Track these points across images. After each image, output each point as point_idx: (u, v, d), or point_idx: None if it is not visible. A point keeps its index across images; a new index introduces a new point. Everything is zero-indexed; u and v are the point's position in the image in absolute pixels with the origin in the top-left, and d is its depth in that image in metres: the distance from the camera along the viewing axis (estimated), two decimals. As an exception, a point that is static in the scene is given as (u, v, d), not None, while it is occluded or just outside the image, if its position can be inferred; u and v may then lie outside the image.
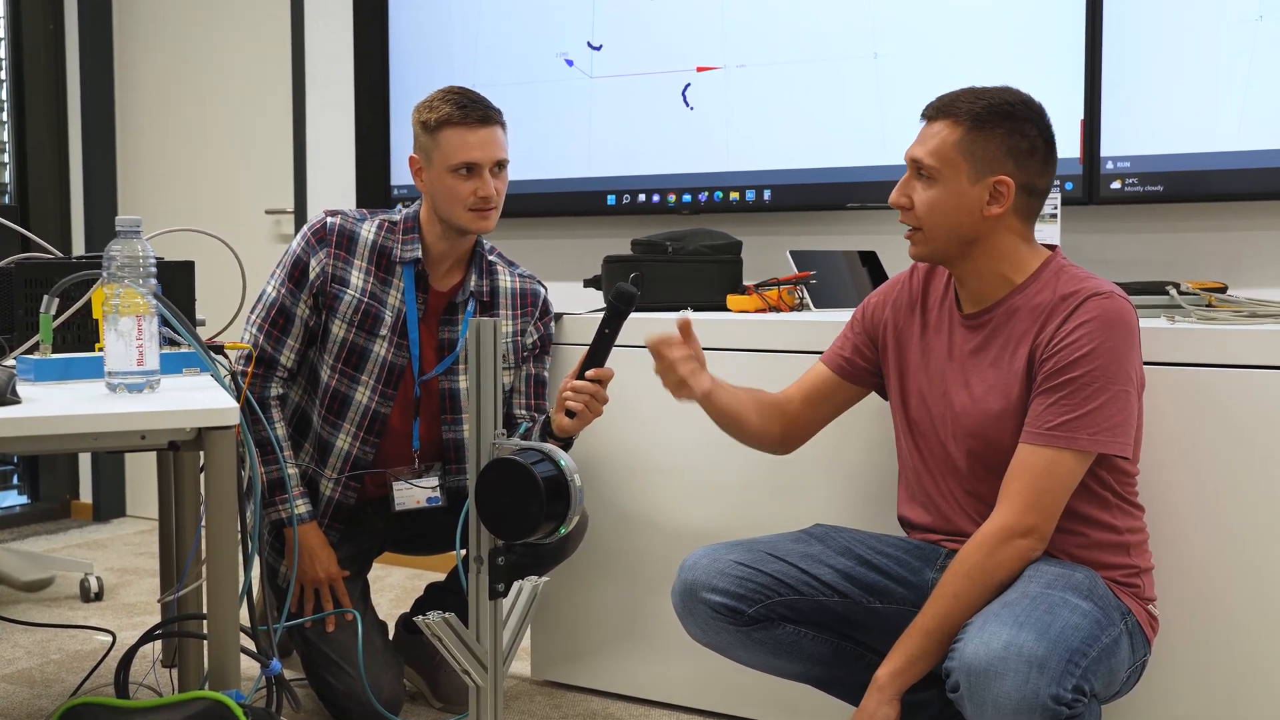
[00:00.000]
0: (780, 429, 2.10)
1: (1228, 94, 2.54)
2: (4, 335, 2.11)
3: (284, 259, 2.40)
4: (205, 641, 1.75)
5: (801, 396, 2.11)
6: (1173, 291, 2.19)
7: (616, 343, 2.09)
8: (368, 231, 2.40)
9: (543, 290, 2.53)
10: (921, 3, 2.87)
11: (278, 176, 4.13)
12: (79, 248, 4.48)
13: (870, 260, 2.81)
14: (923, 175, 1.87)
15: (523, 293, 2.49)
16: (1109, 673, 1.71)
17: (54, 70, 4.47)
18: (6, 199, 4.50)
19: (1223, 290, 2.28)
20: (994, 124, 1.83)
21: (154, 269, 1.76)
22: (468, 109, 2.30)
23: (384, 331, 2.38)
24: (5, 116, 4.51)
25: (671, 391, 2.03)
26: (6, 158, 4.51)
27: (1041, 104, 1.89)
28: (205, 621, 1.70)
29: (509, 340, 2.46)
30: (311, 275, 2.37)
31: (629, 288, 2.01)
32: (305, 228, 2.40)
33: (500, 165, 2.34)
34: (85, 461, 4.61)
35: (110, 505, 4.61)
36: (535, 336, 2.50)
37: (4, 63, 4.49)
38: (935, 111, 1.88)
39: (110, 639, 2.75)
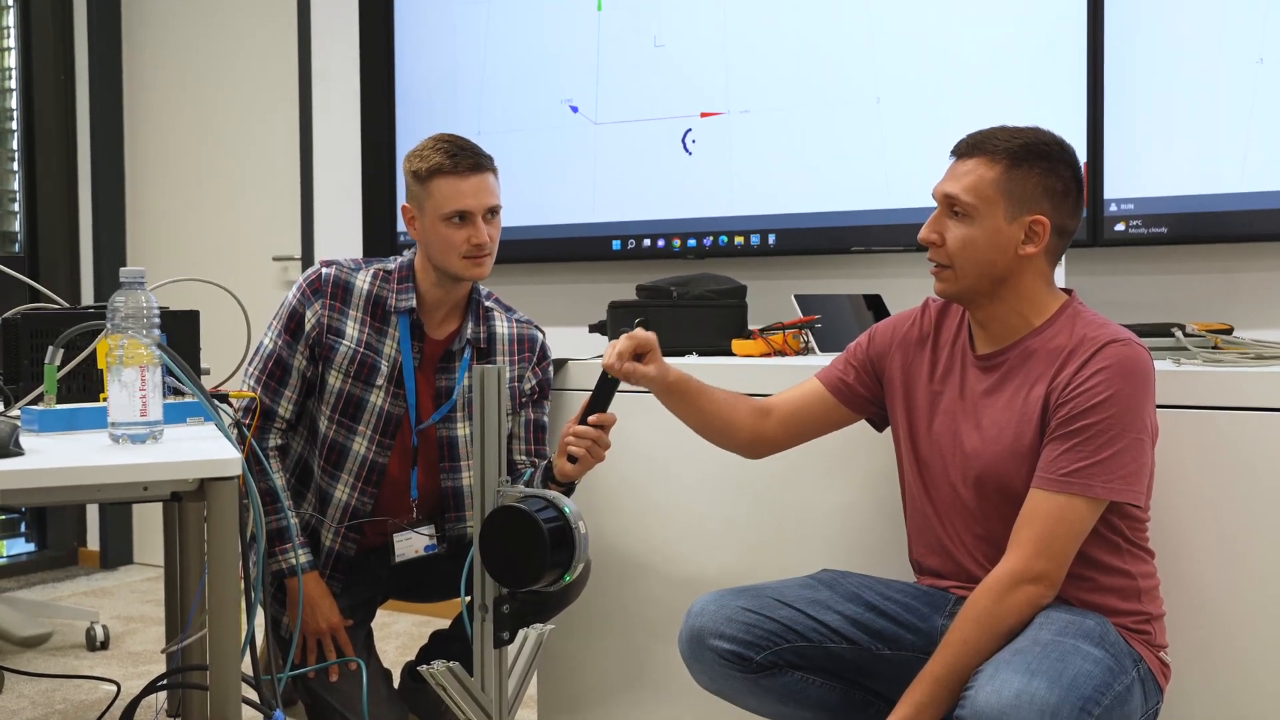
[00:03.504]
0: (751, 432, 2.08)
1: (1230, 136, 2.55)
2: (9, 386, 2.12)
3: (280, 310, 2.40)
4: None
5: (788, 409, 2.09)
6: (1178, 333, 2.18)
7: (620, 388, 2.08)
8: (362, 281, 2.40)
9: (540, 335, 2.53)
10: (923, 47, 2.89)
11: (285, 224, 4.15)
12: (88, 298, 4.50)
13: (875, 303, 2.81)
14: (956, 213, 1.85)
15: (520, 338, 2.49)
16: (1121, 720, 1.69)
17: (64, 121, 4.51)
18: (16, 248, 4.53)
19: (1228, 332, 2.27)
20: (1031, 163, 1.82)
21: (158, 319, 1.76)
22: (458, 157, 2.31)
23: (380, 381, 2.38)
24: (16, 167, 4.55)
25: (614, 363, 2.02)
26: (17, 208, 4.55)
27: (1073, 147, 1.88)
28: (208, 672, 1.69)
29: (507, 386, 2.46)
30: (307, 327, 2.37)
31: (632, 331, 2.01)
32: (301, 279, 2.41)
33: (493, 211, 2.34)
34: (93, 510, 4.61)
35: (117, 553, 4.60)
36: (534, 382, 2.50)
37: (15, 113, 4.53)
38: (969, 148, 1.86)
39: (115, 689, 2.74)
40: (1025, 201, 1.82)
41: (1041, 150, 1.83)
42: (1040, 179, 1.82)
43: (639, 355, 2.02)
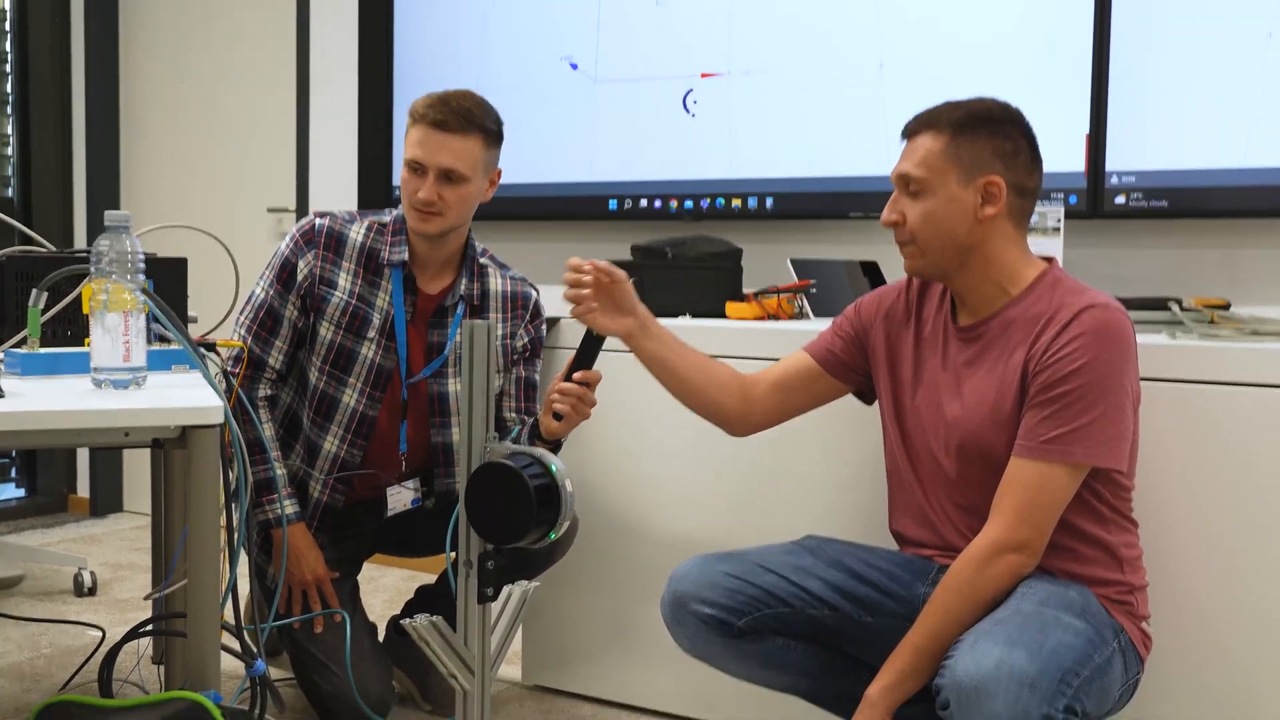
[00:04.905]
0: (738, 405, 2.07)
1: (1236, 110, 2.52)
2: (-5, 328, 2.11)
3: (272, 260, 2.38)
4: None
5: (774, 381, 2.08)
6: (1175, 307, 2.16)
7: (605, 346, 2.07)
8: (356, 233, 2.38)
9: (534, 293, 2.51)
10: (928, 13, 2.85)
11: (280, 175, 4.12)
12: (80, 243, 4.48)
13: (871, 270, 2.79)
14: (912, 190, 1.86)
15: (513, 295, 2.48)
16: (1101, 692, 1.69)
17: (59, 67, 4.46)
18: (10, 192, 4.50)
19: (1226, 307, 2.26)
20: (976, 128, 1.83)
21: (143, 265, 1.75)
22: (433, 108, 2.27)
23: (371, 334, 2.36)
24: (10, 112, 4.51)
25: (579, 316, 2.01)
26: (10, 152, 4.51)
27: (1020, 109, 1.88)
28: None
29: (499, 343, 2.44)
30: (299, 277, 2.35)
31: None
32: (294, 229, 2.39)
33: (449, 175, 2.27)
34: (84, 456, 4.60)
35: (107, 500, 4.60)
36: (526, 340, 2.48)
37: (9, 58, 4.49)
38: (916, 125, 1.89)
39: (100, 635, 2.74)
40: (976, 165, 1.83)
41: (985, 115, 1.85)
42: (988, 141, 1.83)
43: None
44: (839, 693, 1.98)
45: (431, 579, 2.61)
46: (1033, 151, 1.87)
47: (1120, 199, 2.65)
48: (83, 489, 4.63)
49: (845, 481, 2.32)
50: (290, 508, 2.35)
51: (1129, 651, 1.78)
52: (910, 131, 1.89)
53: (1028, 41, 2.74)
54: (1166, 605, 1.96)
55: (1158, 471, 1.98)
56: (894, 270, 2.73)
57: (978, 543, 1.78)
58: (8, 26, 4.47)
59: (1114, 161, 2.65)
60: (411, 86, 3.53)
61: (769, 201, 3.07)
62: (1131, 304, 2.01)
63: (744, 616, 1.90)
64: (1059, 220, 2.34)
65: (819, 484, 2.35)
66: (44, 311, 1.88)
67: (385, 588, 3.53)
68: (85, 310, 1.75)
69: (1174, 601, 1.98)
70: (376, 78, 3.68)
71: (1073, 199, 2.66)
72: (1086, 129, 2.66)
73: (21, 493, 4.61)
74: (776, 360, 2.32)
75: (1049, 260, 1.91)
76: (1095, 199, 2.66)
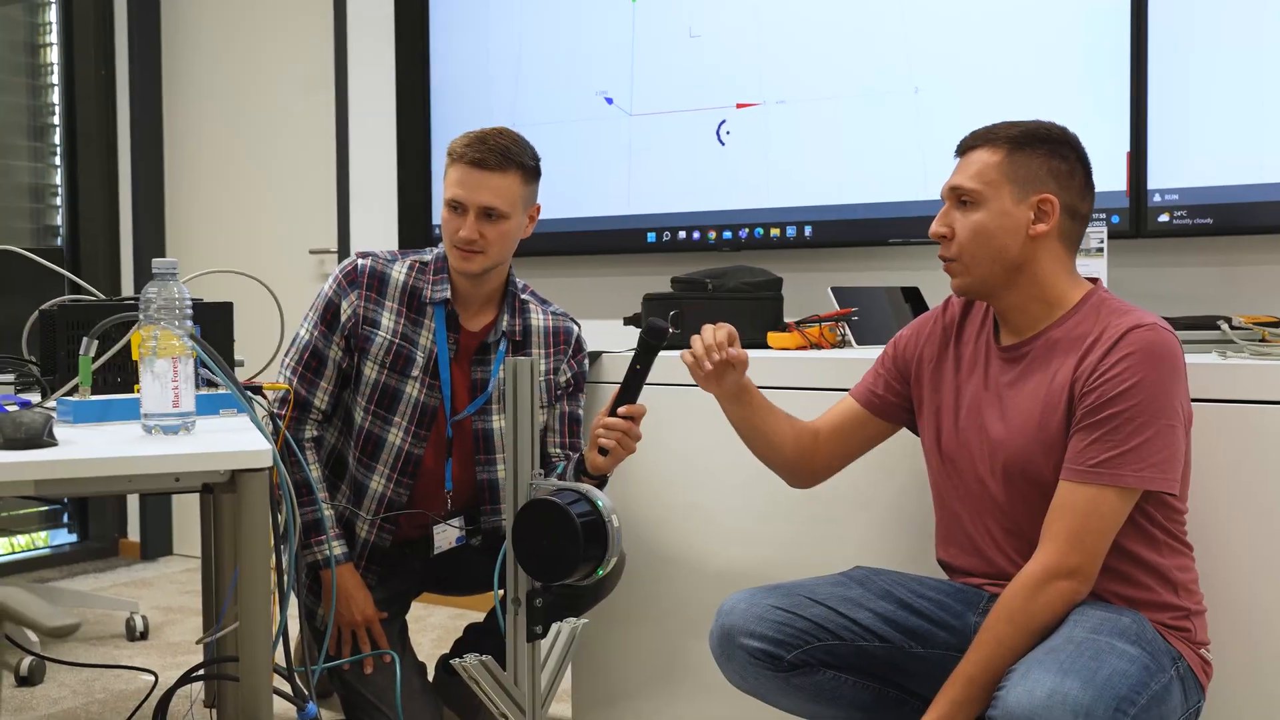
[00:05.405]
0: (801, 460, 2.07)
1: (1278, 123, 2.49)
2: (46, 377, 2.13)
3: (316, 302, 2.40)
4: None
5: (828, 430, 2.08)
6: (1224, 326, 2.13)
7: (649, 379, 2.07)
8: (398, 272, 2.40)
9: (575, 328, 2.52)
10: (962, 36, 2.85)
11: (321, 217, 4.17)
12: (128, 289, 4.54)
13: (913, 295, 2.77)
14: (964, 203, 1.86)
15: (555, 330, 2.48)
16: (1160, 720, 1.66)
17: (105, 116, 4.55)
18: (58, 241, 4.58)
19: (1277, 324, 2.22)
20: (1033, 146, 1.83)
21: (190, 310, 1.77)
22: (471, 147, 2.29)
23: (415, 372, 2.38)
24: (58, 161, 4.59)
25: (700, 380, 2.00)
26: (59, 201, 4.59)
27: (1076, 135, 1.88)
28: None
29: (542, 379, 2.45)
30: (343, 317, 2.37)
31: (659, 322, 1.99)
32: (337, 270, 2.41)
33: (490, 212, 2.29)
34: (133, 501, 4.65)
35: (157, 544, 4.64)
36: (569, 375, 2.49)
37: (57, 109, 4.58)
38: (972, 141, 1.89)
39: (153, 679, 2.75)
40: (1031, 182, 1.82)
41: (1043, 134, 1.85)
42: (1044, 160, 1.83)
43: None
44: (892, 725, 1.95)
45: (479, 617, 2.61)
46: (1086, 176, 1.87)
47: (1164, 217, 2.62)
48: (133, 533, 4.68)
49: (893, 511, 2.30)
50: (339, 549, 2.36)
51: (1188, 679, 1.75)
52: (965, 147, 1.89)
53: (1065, 60, 2.73)
54: (1227, 632, 1.92)
55: (1212, 494, 1.94)
56: (935, 295, 2.71)
57: (1029, 569, 1.75)
58: (55, 79, 4.56)
59: (1156, 179, 2.63)
60: (448, 125, 3.56)
61: (808, 230, 3.07)
62: (1179, 324, 1.99)
63: (793, 650, 1.89)
64: (1101, 241, 2.32)
65: (867, 514, 2.33)
66: (94, 359, 1.90)
67: (433, 626, 3.53)
68: (134, 357, 1.77)
69: (1234, 628, 1.94)
70: (413, 118, 3.72)
71: (1115, 219, 2.64)
72: (1127, 147, 2.64)
73: (74, 538, 4.67)
74: (819, 390, 2.32)
75: (1094, 281, 1.90)
76: (1138, 218, 2.63)
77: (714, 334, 1.98)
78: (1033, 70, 2.76)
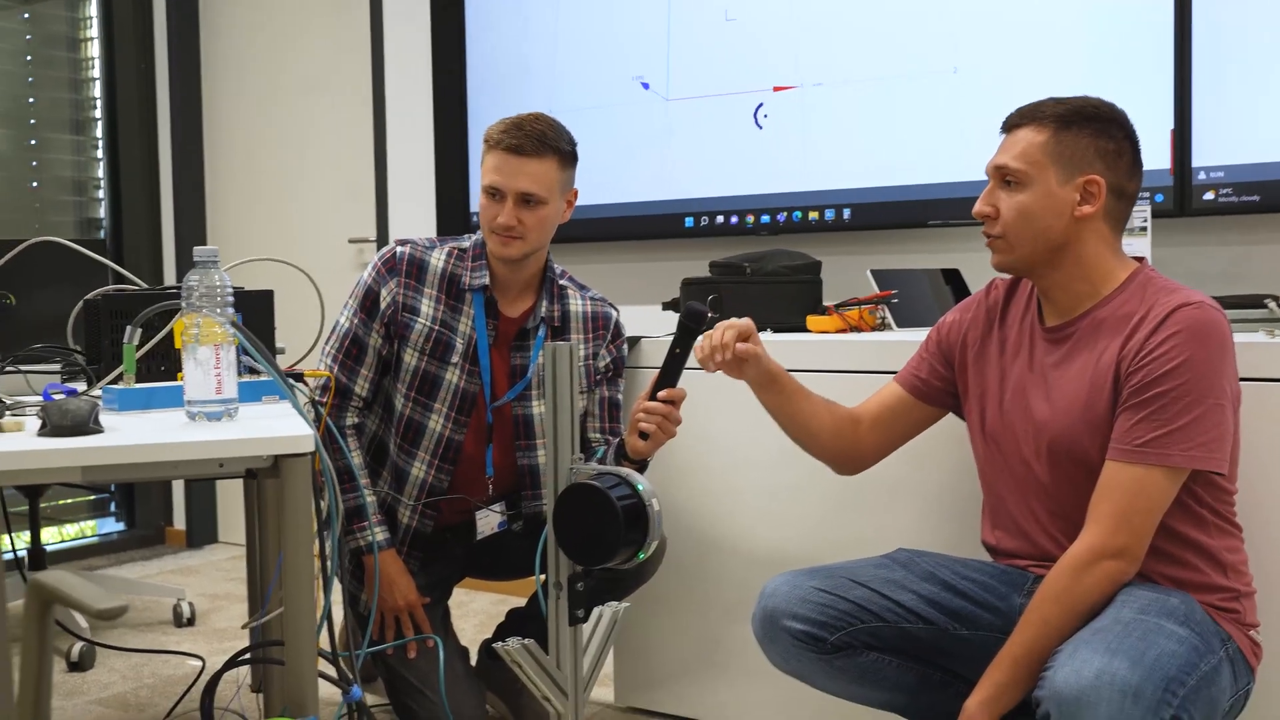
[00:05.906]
0: (846, 440, 2.06)
1: (1325, 99, 2.45)
2: (91, 365, 2.16)
3: (356, 289, 2.41)
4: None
5: (872, 416, 2.07)
6: (1272, 305, 2.11)
7: (689, 364, 2.06)
8: (437, 260, 2.40)
9: (614, 313, 2.52)
10: (1002, 15, 2.82)
11: (360, 206, 4.19)
12: (170, 279, 4.59)
13: (954, 278, 2.75)
14: (1009, 182, 1.83)
15: (594, 316, 2.48)
16: (1209, 703, 1.63)
17: (145, 109, 4.59)
18: (101, 233, 4.63)
19: (1324, 302, 2.19)
20: (1080, 125, 1.80)
21: (231, 298, 1.78)
22: (508, 133, 2.29)
23: (455, 359, 2.38)
24: (100, 154, 4.64)
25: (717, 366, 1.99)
26: (101, 193, 4.64)
27: (1125, 112, 1.84)
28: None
29: (581, 364, 2.45)
30: (383, 305, 2.38)
31: (699, 306, 1.99)
32: (376, 257, 2.42)
33: (527, 198, 2.29)
34: (179, 489, 4.71)
35: (203, 531, 4.70)
36: (608, 359, 2.49)
37: (98, 102, 4.62)
38: (1018, 119, 1.86)
39: (200, 664, 2.79)
40: (1077, 163, 1.79)
41: (1090, 113, 1.82)
42: (1091, 140, 1.80)
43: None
44: (936, 708, 1.94)
45: (521, 602, 2.62)
46: (1135, 155, 1.83)
47: (1209, 195, 2.58)
48: (179, 521, 4.73)
49: (936, 493, 2.29)
50: (381, 534, 2.38)
51: (1238, 661, 1.73)
52: (1011, 125, 1.86)
53: (1106, 37, 2.69)
54: (1277, 614, 1.89)
55: (1261, 475, 1.92)
56: (975, 277, 2.69)
57: (1075, 550, 1.74)
58: (96, 73, 4.60)
59: (1200, 157, 2.59)
60: (485, 112, 3.57)
61: (846, 213, 3.05)
62: (1225, 302, 1.96)
63: (836, 632, 1.88)
64: (1145, 220, 2.29)
65: (909, 496, 2.32)
66: (138, 347, 1.93)
67: (476, 611, 3.55)
68: (177, 345, 1.79)
69: (1282, 607, 1.92)
70: (450, 106, 3.73)
71: (1159, 197, 2.61)
72: (1171, 125, 2.60)
73: (121, 526, 4.73)
74: (859, 373, 2.31)
75: (1140, 260, 1.87)
76: (1182, 197, 2.60)
77: (722, 334, 1.97)
78: (1073, 47, 2.73)
